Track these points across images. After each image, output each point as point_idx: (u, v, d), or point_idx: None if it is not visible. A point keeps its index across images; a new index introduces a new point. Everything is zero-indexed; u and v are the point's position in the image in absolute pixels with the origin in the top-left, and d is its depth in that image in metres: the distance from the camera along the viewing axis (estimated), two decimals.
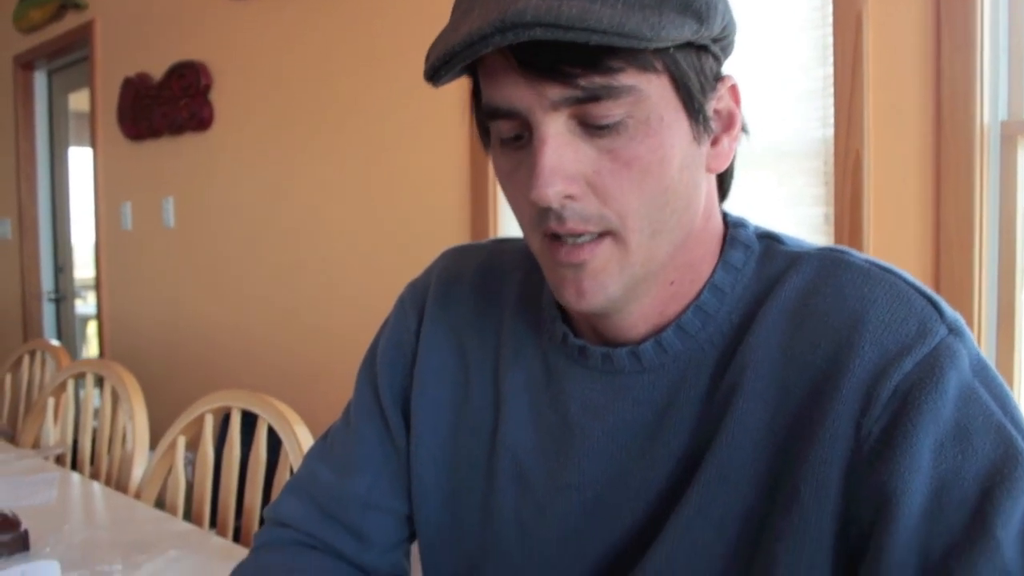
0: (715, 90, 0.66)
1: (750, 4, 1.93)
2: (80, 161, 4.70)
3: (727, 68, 0.69)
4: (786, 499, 0.65)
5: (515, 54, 0.60)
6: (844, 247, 0.72)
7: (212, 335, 3.62)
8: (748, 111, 0.71)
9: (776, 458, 0.66)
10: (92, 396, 2.00)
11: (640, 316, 0.71)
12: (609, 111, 0.61)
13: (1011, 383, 1.61)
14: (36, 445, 2.04)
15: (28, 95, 4.85)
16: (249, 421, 1.48)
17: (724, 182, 0.74)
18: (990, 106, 1.64)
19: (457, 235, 2.54)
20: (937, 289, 1.59)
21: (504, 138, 0.66)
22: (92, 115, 4.25)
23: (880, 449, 0.62)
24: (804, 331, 0.67)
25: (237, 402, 1.48)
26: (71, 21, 4.39)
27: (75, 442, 2.03)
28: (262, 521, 0.93)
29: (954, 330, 0.64)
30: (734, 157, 0.71)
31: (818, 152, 1.84)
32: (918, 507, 0.60)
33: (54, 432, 2.01)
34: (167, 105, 3.68)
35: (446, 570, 0.86)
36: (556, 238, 0.65)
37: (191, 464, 2.90)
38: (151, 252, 3.95)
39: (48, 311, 4.89)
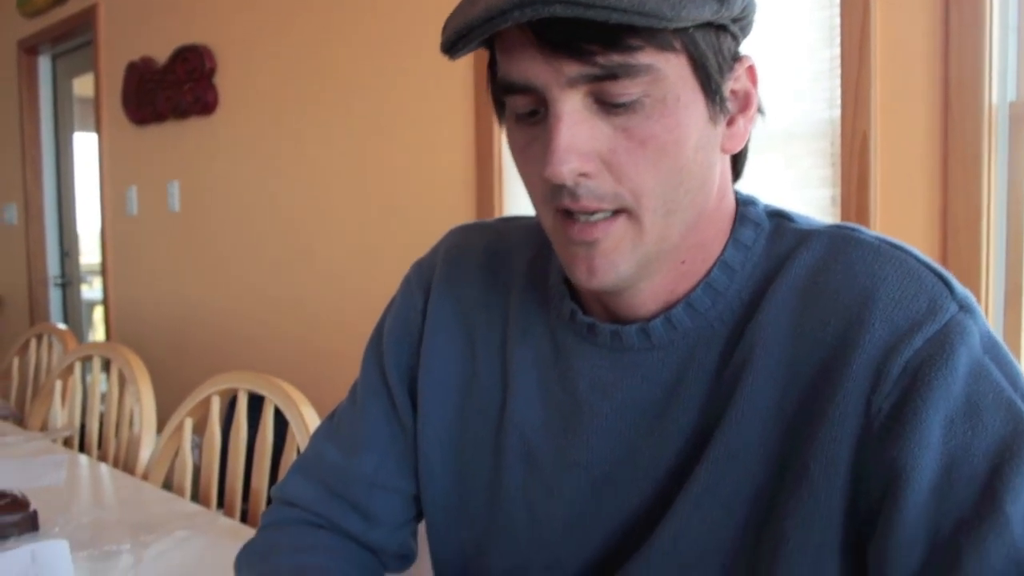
0: (732, 70, 0.66)
1: None
2: (85, 146, 4.70)
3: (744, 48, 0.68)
4: (795, 476, 0.65)
5: (533, 29, 0.60)
6: (854, 224, 0.72)
7: (218, 319, 3.63)
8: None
9: (785, 435, 0.66)
10: (99, 379, 2.01)
11: (650, 294, 0.71)
12: (626, 89, 0.60)
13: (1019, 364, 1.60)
14: (44, 428, 2.05)
15: (32, 80, 4.84)
16: (256, 405, 1.48)
17: (738, 162, 0.74)
18: (999, 87, 1.63)
19: (462, 217, 2.54)
20: None
21: (519, 113, 0.65)
22: (96, 99, 4.25)
23: (890, 425, 0.61)
24: (814, 308, 0.66)
25: (244, 384, 1.49)
26: (75, 5, 4.38)
27: (83, 425, 2.04)
28: (269, 501, 0.93)
29: (965, 307, 0.63)
30: (749, 138, 0.70)
31: (825, 133, 1.83)
32: (928, 483, 0.60)
33: (62, 415, 2.02)
34: (171, 89, 3.67)
35: (453, 549, 0.86)
36: (568, 215, 0.65)
37: (198, 448, 2.91)
38: (157, 237, 3.95)
39: (55, 296, 4.90)
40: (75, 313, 4.88)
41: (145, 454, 1.66)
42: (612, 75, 0.60)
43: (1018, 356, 1.59)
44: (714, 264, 0.71)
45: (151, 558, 1.06)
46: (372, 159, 2.86)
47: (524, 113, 0.65)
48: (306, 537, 0.86)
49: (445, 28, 0.62)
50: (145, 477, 1.60)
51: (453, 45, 0.62)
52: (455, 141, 2.57)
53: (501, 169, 2.46)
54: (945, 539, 0.59)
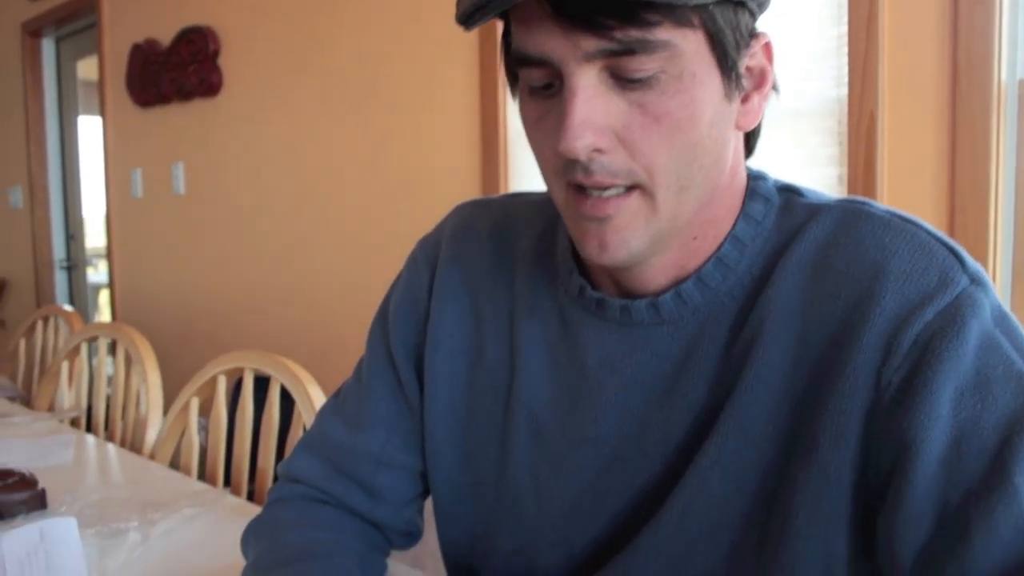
0: (749, 47, 0.65)
1: None
2: (90, 129, 4.69)
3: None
4: (805, 450, 0.65)
5: (551, 2, 0.59)
6: (864, 198, 0.71)
7: (224, 301, 3.63)
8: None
9: (795, 409, 0.66)
10: (105, 359, 2.01)
11: (660, 269, 0.71)
12: (642, 65, 0.60)
13: None
14: (51, 409, 2.05)
15: (36, 62, 4.83)
16: (262, 386, 1.48)
17: (751, 139, 0.74)
18: (1008, 64, 1.61)
19: (467, 195, 2.52)
20: None
21: (533, 86, 0.65)
22: (101, 82, 4.24)
23: (900, 398, 0.61)
24: (824, 282, 0.66)
25: (250, 363, 1.49)
26: None
27: (89, 407, 2.05)
28: (276, 479, 0.93)
29: (976, 280, 0.63)
30: (763, 115, 0.70)
31: (832, 112, 1.82)
32: (937, 455, 0.60)
33: (68, 396, 2.03)
34: (176, 71, 3.66)
35: (461, 526, 0.86)
36: (581, 189, 0.65)
37: (204, 429, 2.92)
38: (161, 219, 3.95)
39: (60, 279, 4.90)
40: (81, 296, 4.89)
41: (152, 434, 1.66)
42: (629, 50, 0.59)
43: None
44: (725, 239, 0.71)
45: (159, 535, 1.06)
46: (377, 138, 2.85)
47: (538, 86, 0.64)
48: (312, 513, 0.86)
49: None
50: (152, 457, 1.60)
51: (469, 16, 0.61)
52: (460, 120, 2.56)
53: (506, 147, 2.46)
54: (954, 511, 0.59)
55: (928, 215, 1.70)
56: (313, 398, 1.36)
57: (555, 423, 0.77)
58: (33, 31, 4.77)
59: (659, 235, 0.66)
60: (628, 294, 0.73)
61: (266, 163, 3.33)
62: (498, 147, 2.46)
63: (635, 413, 0.73)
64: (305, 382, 1.37)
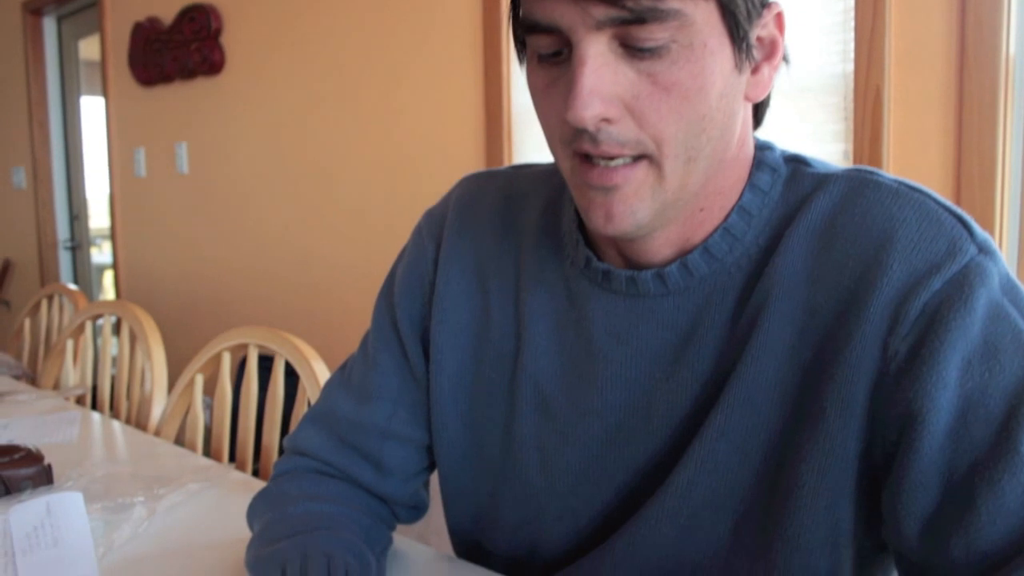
0: (760, 16, 0.64)
1: None
2: (92, 110, 4.68)
3: None
4: (811, 420, 0.65)
5: None
6: (872, 168, 0.71)
7: (228, 280, 3.63)
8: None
9: (802, 379, 0.66)
10: (109, 337, 2.01)
11: (666, 240, 0.70)
12: (653, 34, 0.59)
13: None
14: (56, 387, 2.06)
15: (37, 42, 4.81)
16: (266, 366, 1.48)
17: (759, 110, 0.73)
18: (1016, 37, 1.60)
19: (471, 168, 2.51)
20: None
21: (542, 54, 0.64)
22: (103, 61, 4.23)
23: (907, 368, 0.61)
24: (832, 252, 0.66)
25: (254, 339, 1.49)
26: None
27: (94, 386, 2.05)
28: (281, 452, 0.93)
29: (984, 249, 0.63)
30: (772, 86, 0.69)
31: (837, 87, 1.81)
32: (944, 424, 0.60)
33: (74, 374, 2.03)
34: (178, 49, 3.65)
35: (467, 499, 0.87)
36: (587, 159, 0.64)
37: (209, 408, 2.93)
38: (165, 198, 3.95)
39: (64, 259, 4.91)
40: (85, 276, 4.89)
41: (156, 411, 1.66)
42: (640, 19, 0.58)
43: None
44: (731, 210, 0.70)
45: (164, 509, 1.06)
46: (380, 113, 2.84)
47: (547, 54, 0.64)
48: (318, 486, 0.86)
49: None
50: (157, 434, 1.60)
51: None
52: (465, 96, 2.55)
53: (510, 123, 2.45)
54: (960, 480, 0.59)
55: (934, 190, 1.69)
56: (318, 374, 1.36)
57: (561, 395, 0.77)
58: (34, 10, 4.75)
59: (665, 206, 0.66)
60: (634, 265, 0.73)
61: (269, 140, 3.32)
62: (502, 123, 2.45)
63: (641, 384, 0.73)
64: (309, 358, 1.37)
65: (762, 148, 0.73)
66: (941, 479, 0.60)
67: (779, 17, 0.66)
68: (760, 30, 0.65)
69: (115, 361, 1.95)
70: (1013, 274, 0.64)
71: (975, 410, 0.59)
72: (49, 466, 1.18)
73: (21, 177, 5.07)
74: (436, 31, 2.60)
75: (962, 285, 0.61)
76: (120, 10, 4.07)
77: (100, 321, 2.07)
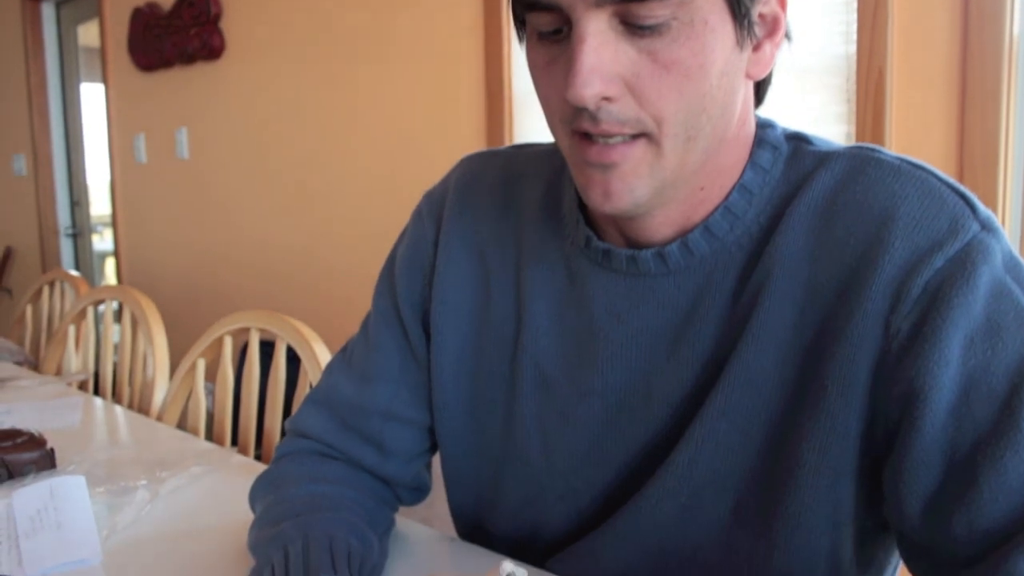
0: None
1: None
2: (92, 97, 4.67)
3: None
4: (813, 399, 0.65)
5: None
6: (874, 145, 0.70)
7: (229, 266, 3.63)
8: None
9: (803, 358, 0.66)
10: (111, 323, 2.01)
11: (667, 219, 0.70)
12: (653, 12, 0.59)
13: None
14: (58, 373, 2.06)
15: (36, 28, 4.79)
16: (267, 351, 1.48)
17: (761, 88, 0.72)
18: (1020, 18, 1.59)
19: (472, 150, 2.52)
20: None
21: (542, 31, 0.64)
22: (102, 46, 4.21)
23: (909, 346, 0.61)
24: (833, 229, 0.65)
25: (255, 323, 1.49)
26: None
27: (96, 373, 2.05)
28: (283, 434, 0.94)
29: (987, 226, 0.62)
30: (774, 64, 0.69)
31: (840, 69, 1.80)
32: (946, 403, 0.59)
33: (76, 359, 2.03)
34: (177, 35, 3.63)
35: (468, 479, 0.87)
36: (586, 136, 0.64)
37: (211, 394, 2.93)
38: (166, 184, 3.94)
39: (66, 246, 4.91)
40: (86, 263, 4.89)
41: (159, 396, 1.67)
42: None
43: None
44: (732, 188, 0.70)
45: (167, 493, 1.07)
46: (380, 97, 2.83)
47: (547, 31, 0.63)
48: (319, 467, 0.86)
49: None
50: (159, 418, 1.61)
51: None
52: (465, 78, 2.55)
53: (511, 101, 2.44)
54: (962, 458, 0.59)
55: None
56: (319, 356, 1.36)
57: (562, 375, 0.77)
58: None
59: (664, 184, 0.65)
60: (635, 245, 0.73)
61: (269, 125, 3.31)
62: (503, 106, 2.44)
63: (641, 364, 0.73)
64: (311, 340, 1.37)
65: (763, 126, 0.72)
66: (943, 457, 0.60)
67: None
68: (762, 7, 0.64)
69: (117, 348, 1.95)
70: (1016, 252, 0.64)
71: (977, 388, 0.59)
72: (52, 450, 1.18)
73: (22, 164, 5.06)
74: (437, 13, 2.58)
75: (964, 262, 0.60)
76: None
77: (102, 307, 2.07)
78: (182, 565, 0.87)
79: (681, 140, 0.63)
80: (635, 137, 0.63)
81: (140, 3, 3.85)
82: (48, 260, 4.91)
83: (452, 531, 0.93)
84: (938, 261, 0.61)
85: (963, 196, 0.64)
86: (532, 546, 0.83)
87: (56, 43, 4.85)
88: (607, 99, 0.61)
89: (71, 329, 2.04)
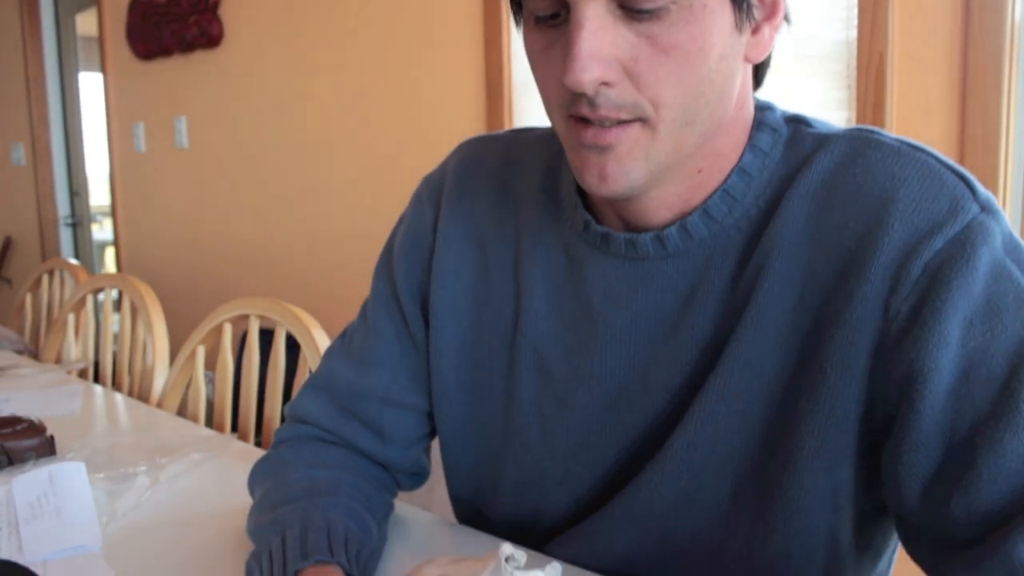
0: None
1: None
2: (91, 86, 4.66)
3: None
4: (812, 382, 0.65)
5: None
6: (874, 127, 0.70)
7: (229, 254, 3.63)
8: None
9: (802, 341, 0.66)
10: (110, 312, 2.01)
11: (664, 202, 0.70)
12: None
13: None
14: (58, 361, 2.06)
15: (34, 17, 4.77)
16: (267, 340, 1.48)
17: (759, 71, 0.72)
18: (1022, 3, 1.58)
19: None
20: None
21: (539, 16, 0.63)
22: (100, 34, 4.19)
23: (908, 328, 0.61)
24: (832, 212, 0.65)
25: (255, 310, 1.49)
26: None
27: (96, 363, 2.05)
28: (283, 420, 0.94)
29: (987, 208, 0.62)
30: (773, 47, 0.68)
31: (840, 54, 1.79)
32: (946, 385, 0.59)
33: (75, 348, 2.03)
34: (176, 23, 3.62)
35: (468, 465, 0.87)
36: (583, 119, 0.63)
37: (211, 383, 2.93)
38: (165, 174, 3.94)
39: (65, 236, 4.90)
40: (86, 253, 4.89)
41: (159, 383, 1.67)
42: None
43: None
44: (731, 171, 0.70)
45: (167, 479, 1.07)
46: (380, 84, 2.83)
47: (544, 16, 0.63)
48: (318, 453, 0.86)
49: None
50: (159, 406, 1.61)
51: None
52: (465, 66, 2.54)
53: (511, 88, 2.43)
54: (961, 440, 0.59)
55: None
56: (318, 342, 1.36)
57: (560, 359, 0.77)
58: None
59: (660, 167, 0.65)
60: (633, 228, 0.72)
61: (268, 113, 3.31)
62: (503, 93, 2.43)
63: (640, 347, 0.72)
64: (310, 326, 1.37)
65: (762, 109, 0.72)
66: (942, 439, 0.60)
67: None
68: None
69: (116, 338, 1.95)
70: (1016, 234, 0.64)
71: (977, 370, 0.59)
72: (51, 437, 1.18)
73: (20, 154, 5.05)
74: (437, 1, 2.57)
75: (964, 244, 0.60)
76: None
77: (101, 296, 2.07)
78: (182, 550, 0.88)
79: (678, 124, 0.63)
80: (630, 121, 0.63)
81: None
82: (48, 250, 4.90)
83: (451, 517, 0.93)
84: (938, 243, 0.61)
85: (963, 178, 0.63)
86: (531, 531, 0.83)
87: (54, 32, 4.83)
88: (605, 84, 0.61)
89: (71, 317, 2.04)
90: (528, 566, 0.59)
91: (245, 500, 0.88)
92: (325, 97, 3.04)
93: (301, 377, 1.39)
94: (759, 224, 0.68)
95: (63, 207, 4.90)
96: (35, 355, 2.17)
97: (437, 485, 0.95)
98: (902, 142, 0.67)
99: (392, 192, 2.82)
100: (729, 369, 0.67)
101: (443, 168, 0.88)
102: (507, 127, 2.38)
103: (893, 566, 0.79)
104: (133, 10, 3.89)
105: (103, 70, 4.21)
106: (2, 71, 5.06)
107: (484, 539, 0.86)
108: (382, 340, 0.87)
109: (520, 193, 0.82)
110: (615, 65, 0.60)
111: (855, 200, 0.64)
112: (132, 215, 4.24)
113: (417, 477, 0.92)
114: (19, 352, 2.10)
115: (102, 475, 1.08)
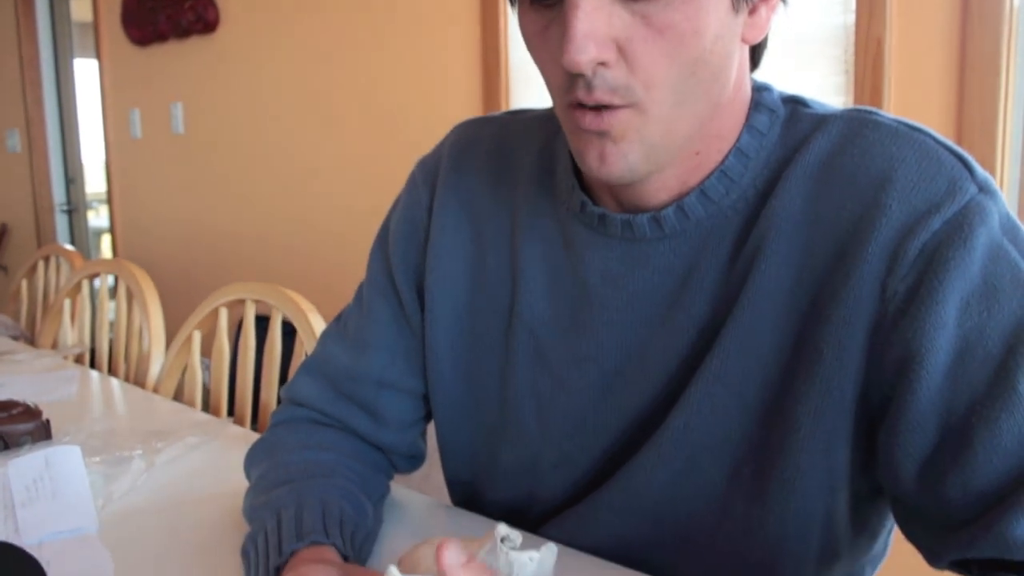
0: None
1: None
2: (86, 73, 4.64)
3: None
4: (808, 363, 0.65)
5: None
6: (872, 108, 0.70)
7: (225, 240, 3.62)
8: None
9: (799, 322, 0.65)
10: (106, 298, 2.01)
11: (662, 184, 0.69)
12: None
13: None
14: (55, 347, 2.06)
15: (28, 3, 4.74)
16: (264, 326, 1.48)
17: (756, 52, 0.71)
18: None
19: None
20: None
21: None
22: (95, 20, 4.18)
23: (905, 309, 0.60)
24: (830, 192, 0.65)
25: (251, 294, 1.48)
26: None
27: (92, 349, 2.05)
28: (279, 403, 0.93)
29: (984, 189, 0.62)
30: (769, 28, 0.68)
31: (838, 39, 1.79)
32: (942, 365, 0.59)
33: (71, 333, 2.03)
34: (172, 8, 3.61)
35: (463, 448, 0.86)
36: (581, 104, 0.63)
37: (207, 369, 2.93)
38: (161, 160, 3.93)
39: (61, 223, 4.89)
40: (82, 240, 4.88)
41: (155, 368, 1.66)
42: None
43: None
44: (729, 152, 0.69)
45: (163, 463, 1.07)
46: (376, 68, 2.82)
47: None
48: (314, 435, 0.86)
49: None
50: (155, 391, 1.61)
51: None
52: (461, 49, 2.53)
53: (508, 72, 2.43)
54: (958, 420, 0.59)
55: None
56: (314, 327, 1.35)
57: (556, 341, 0.77)
58: None
59: (656, 149, 0.65)
60: (630, 210, 0.72)
61: (264, 99, 3.30)
62: (500, 77, 2.43)
63: (637, 329, 0.72)
64: (306, 311, 1.37)
65: (760, 89, 0.72)
66: (939, 420, 0.60)
67: None
68: None
69: (112, 324, 1.95)
70: (1013, 215, 0.63)
71: (973, 350, 0.59)
72: (47, 421, 1.18)
73: (16, 140, 5.03)
74: None
75: (962, 225, 0.60)
76: None
77: (97, 281, 2.06)
78: (178, 533, 0.88)
79: (668, 106, 0.63)
80: (621, 106, 0.62)
81: None
82: (44, 237, 4.89)
83: (447, 501, 0.93)
84: (935, 223, 0.60)
85: (961, 158, 0.63)
86: (527, 513, 0.83)
87: (48, 18, 4.80)
88: (602, 64, 0.60)
89: (67, 303, 2.04)
90: (524, 547, 0.59)
91: (240, 483, 0.88)
92: (321, 82, 3.03)
93: (297, 362, 1.39)
94: (756, 205, 0.68)
95: (59, 194, 4.89)
96: (31, 341, 2.17)
97: (433, 471, 0.95)
98: (900, 122, 0.66)
99: (389, 176, 2.81)
100: (726, 350, 0.67)
101: (438, 150, 0.87)
102: (503, 109, 2.37)
103: (889, 547, 0.79)
104: None
105: (98, 56, 4.19)
106: None
107: (480, 521, 0.86)
108: (378, 323, 0.87)
109: (516, 175, 0.81)
110: (611, 44, 0.60)
111: (853, 181, 0.64)
112: (128, 201, 4.23)
113: (413, 460, 0.92)
114: (15, 338, 2.09)
115: (98, 459, 1.07)
